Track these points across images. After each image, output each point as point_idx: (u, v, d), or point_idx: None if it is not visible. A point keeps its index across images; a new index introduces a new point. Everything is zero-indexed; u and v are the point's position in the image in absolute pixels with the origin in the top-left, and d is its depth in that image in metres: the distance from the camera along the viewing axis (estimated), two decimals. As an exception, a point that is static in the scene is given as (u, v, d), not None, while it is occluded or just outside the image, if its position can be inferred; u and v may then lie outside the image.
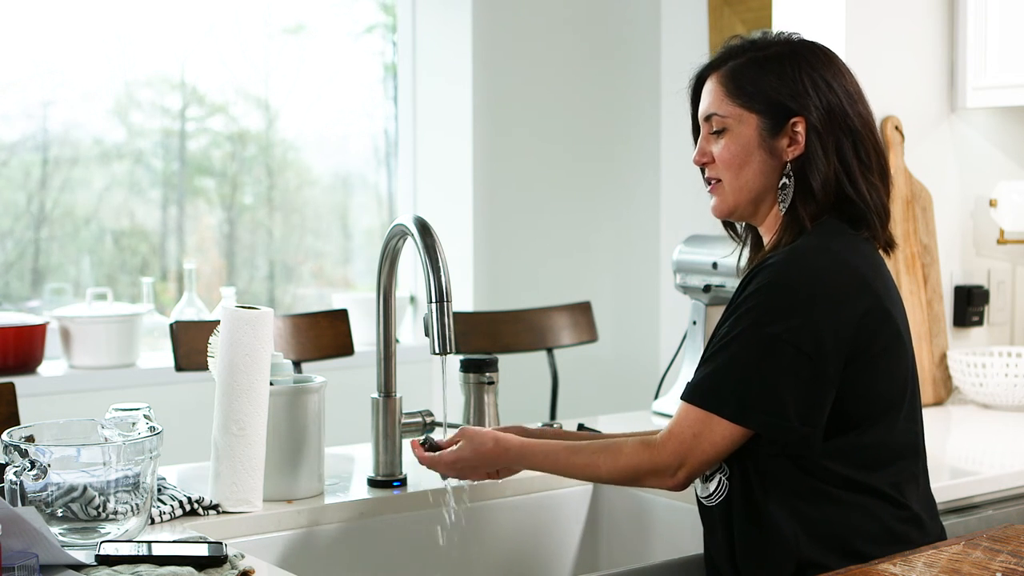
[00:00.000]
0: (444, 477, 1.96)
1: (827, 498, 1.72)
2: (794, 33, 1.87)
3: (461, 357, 2.20)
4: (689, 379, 1.80)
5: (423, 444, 1.94)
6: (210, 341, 1.94)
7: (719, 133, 1.84)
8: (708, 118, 1.85)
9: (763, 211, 1.84)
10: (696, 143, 1.90)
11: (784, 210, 1.81)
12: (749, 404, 1.70)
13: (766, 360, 1.69)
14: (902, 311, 1.81)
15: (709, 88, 1.86)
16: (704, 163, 1.87)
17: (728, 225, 1.96)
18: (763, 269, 1.75)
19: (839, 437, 1.72)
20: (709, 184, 1.88)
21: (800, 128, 1.79)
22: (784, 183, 1.81)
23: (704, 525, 1.85)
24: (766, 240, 1.86)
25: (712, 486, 1.79)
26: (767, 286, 1.73)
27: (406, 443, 2.11)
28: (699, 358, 2.60)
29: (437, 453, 1.91)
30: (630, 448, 1.79)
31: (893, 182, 1.93)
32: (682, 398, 1.77)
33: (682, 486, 1.78)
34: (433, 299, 1.87)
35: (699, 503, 1.85)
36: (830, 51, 1.86)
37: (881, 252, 1.86)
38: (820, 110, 1.79)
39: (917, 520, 1.78)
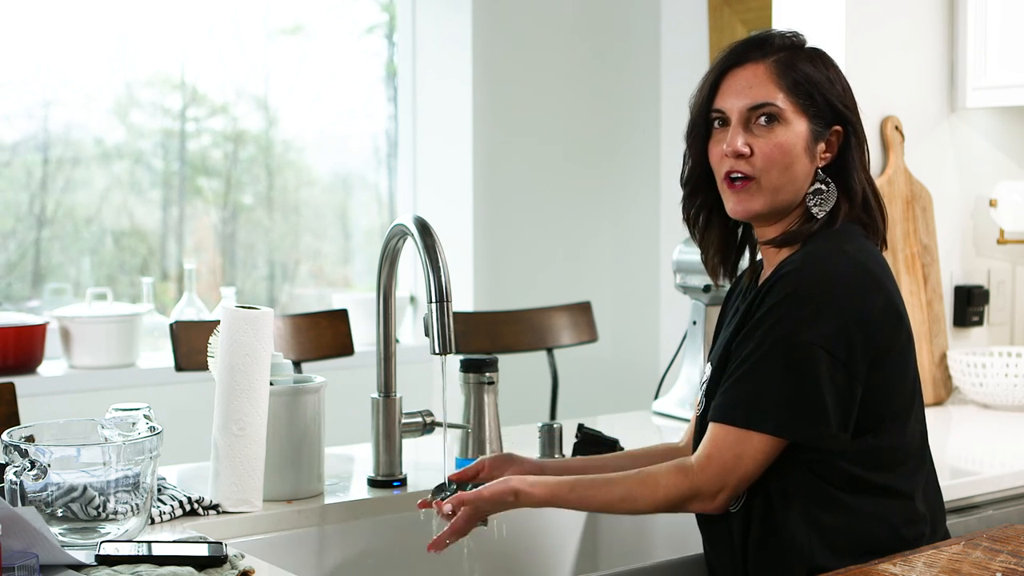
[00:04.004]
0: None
1: (842, 505, 1.72)
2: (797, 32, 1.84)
3: (461, 357, 2.20)
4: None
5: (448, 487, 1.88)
6: (210, 341, 1.94)
7: (768, 125, 1.74)
8: (756, 107, 1.74)
9: (784, 217, 1.79)
10: (690, 137, 1.82)
11: (820, 215, 1.77)
12: (792, 416, 1.67)
13: (804, 369, 1.67)
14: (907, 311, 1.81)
15: (754, 75, 1.75)
16: (742, 155, 1.75)
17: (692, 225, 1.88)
18: (781, 278, 1.72)
19: (857, 439, 1.71)
20: (734, 182, 1.77)
21: (836, 136, 1.78)
22: (820, 188, 1.77)
23: (706, 535, 1.84)
24: (767, 236, 1.82)
25: None
26: (792, 295, 1.69)
27: (406, 443, 2.11)
28: (700, 359, 2.63)
29: (458, 494, 1.80)
30: (666, 478, 1.73)
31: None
32: (715, 419, 1.72)
33: (723, 508, 1.74)
34: (433, 299, 1.87)
35: (703, 513, 1.82)
36: None
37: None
38: (857, 118, 1.80)
39: (926, 520, 1.78)
